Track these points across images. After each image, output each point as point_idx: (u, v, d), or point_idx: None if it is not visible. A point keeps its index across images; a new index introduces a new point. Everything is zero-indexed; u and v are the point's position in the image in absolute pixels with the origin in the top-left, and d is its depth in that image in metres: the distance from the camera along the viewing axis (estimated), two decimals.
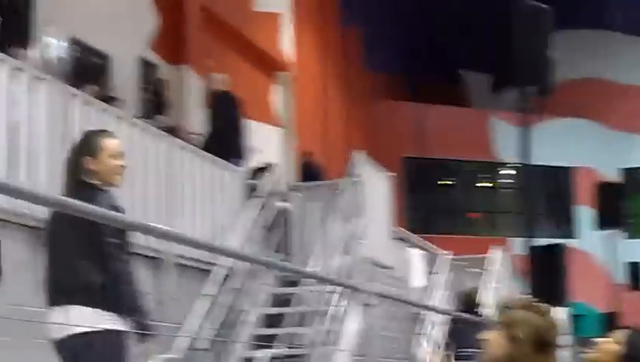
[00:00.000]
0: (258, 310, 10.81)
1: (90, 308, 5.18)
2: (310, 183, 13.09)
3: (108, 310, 5.19)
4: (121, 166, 5.67)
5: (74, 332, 5.13)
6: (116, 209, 5.30)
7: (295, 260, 11.67)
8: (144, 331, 5.24)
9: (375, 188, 12.61)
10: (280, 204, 11.94)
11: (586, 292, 25.20)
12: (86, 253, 5.22)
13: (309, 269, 10.42)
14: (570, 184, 30.89)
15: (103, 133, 5.79)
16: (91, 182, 5.51)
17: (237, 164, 11.87)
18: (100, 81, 12.78)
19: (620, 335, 4.49)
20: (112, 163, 5.62)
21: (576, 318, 24.71)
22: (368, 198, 12.17)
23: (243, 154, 12.41)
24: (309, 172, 15.51)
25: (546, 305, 4.08)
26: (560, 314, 20.35)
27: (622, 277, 25.11)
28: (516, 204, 26.05)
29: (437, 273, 16.55)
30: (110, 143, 5.66)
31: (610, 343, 4.50)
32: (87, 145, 5.68)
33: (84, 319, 5.12)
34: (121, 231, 5.28)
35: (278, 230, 11.78)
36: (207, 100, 13.40)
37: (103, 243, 5.24)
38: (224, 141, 12.17)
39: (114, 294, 5.18)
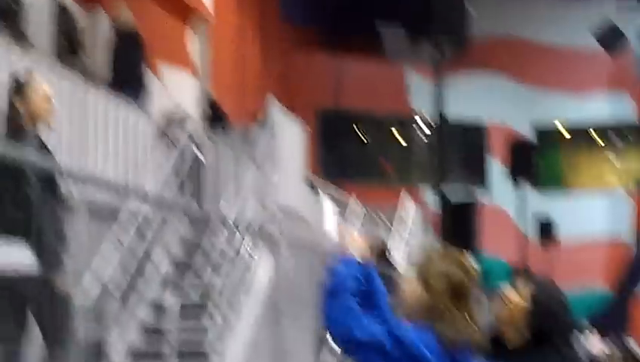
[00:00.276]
0: (169, 256, 10.79)
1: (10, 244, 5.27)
2: (223, 131, 13.01)
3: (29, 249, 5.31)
4: (51, 108, 5.91)
5: None
6: (46, 150, 5.37)
7: (208, 207, 11.65)
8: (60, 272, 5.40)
9: (289, 137, 12.61)
10: (193, 152, 11.88)
11: (497, 246, 25.58)
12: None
13: (221, 216, 10.42)
14: (484, 139, 31.20)
15: (31, 76, 5.88)
16: (20, 123, 5.64)
17: (137, 105, 11.69)
18: (12, 24, 12.53)
19: (524, 287, 4.53)
20: (42, 106, 5.81)
21: (486, 271, 25.05)
22: (282, 147, 12.17)
23: (142, 95, 12.25)
24: (214, 114, 15.20)
25: (461, 253, 4.09)
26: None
27: (532, 231, 25.50)
28: (430, 158, 26.22)
29: (350, 222, 16.64)
30: (39, 86, 5.68)
31: (515, 296, 4.53)
32: (16, 88, 5.70)
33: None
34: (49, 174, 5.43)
35: (190, 177, 11.73)
36: (111, 40, 13.23)
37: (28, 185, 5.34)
38: (125, 81, 11.99)
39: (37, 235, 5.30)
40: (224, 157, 12.35)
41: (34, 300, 5.49)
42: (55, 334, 5.46)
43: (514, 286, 4.59)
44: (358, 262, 4.04)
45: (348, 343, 3.85)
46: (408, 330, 3.88)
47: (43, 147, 5.71)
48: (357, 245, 4.09)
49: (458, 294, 3.94)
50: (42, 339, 5.63)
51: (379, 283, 4.22)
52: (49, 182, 5.62)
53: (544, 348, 4.38)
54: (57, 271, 5.60)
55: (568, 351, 4.46)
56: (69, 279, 5.89)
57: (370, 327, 3.81)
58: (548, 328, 4.42)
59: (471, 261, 4.06)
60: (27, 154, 3.66)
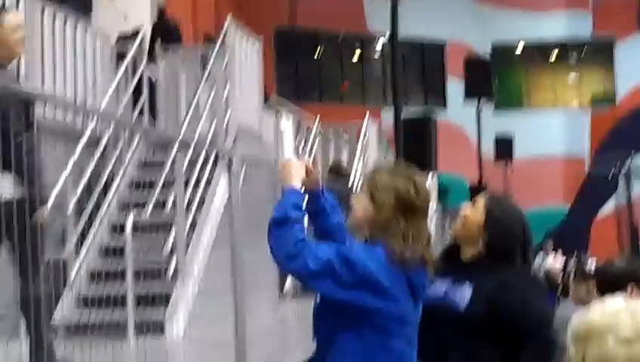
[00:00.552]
0: (126, 175, 10.75)
1: None
2: (178, 48, 12.86)
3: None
4: (21, 38, 5.94)
5: None
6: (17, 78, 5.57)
7: (163, 126, 11.59)
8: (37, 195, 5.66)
9: (245, 54, 12.51)
10: (148, 70, 11.77)
11: (454, 163, 25.69)
12: None
13: (177, 135, 10.37)
14: (443, 58, 31.14)
15: (2, 10, 5.98)
16: None
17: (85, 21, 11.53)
18: None
19: (480, 203, 4.54)
20: (11, 37, 5.84)
21: (445, 189, 25.21)
22: (237, 65, 12.09)
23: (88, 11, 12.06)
24: (168, 31, 14.92)
25: (414, 170, 4.07)
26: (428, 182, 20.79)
27: (489, 149, 25.62)
28: (388, 75, 26.15)
29: (306, 141, 16.62)
30: (10, 18, 5.90)
31: (471, 211, 4.54)
32: None
33: None
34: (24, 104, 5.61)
35: (146, 96, 11.63)
36: None
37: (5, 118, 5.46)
38: None
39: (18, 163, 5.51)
40: (179, 76, 12.25)
41: (11, 223, 5.65)
42: (27, 254, 5.60)
43: (470, 201, 4.60)
44: (302, 189, 3.97)
45: (301, 275, 3.84)
46: (355, 249, 3.86)
47: (15, 76, 5.86)
48: (298, 171, 4.02)
49: (405, 208, 3.92)
50: (17, 259, 5.80)
51: (328, 205, 4.20)
52: (24, 109, 5.77)
53: (499, 262, 4.41)
54: (35, 195, 5.76)
55: (523, 264, 4.50)
56: (42, 202, 6.12)
57: (319, 254, 3.76)
58: (503, 242, 4.44)
59: (422, 177, 4.05)
60: (2, 84, 3.86)
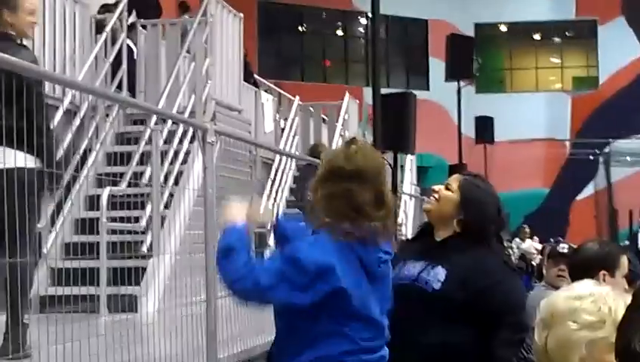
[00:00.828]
0: (103, 148, 10.69)
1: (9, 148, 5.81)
2: (158, 20, 12.77)
3: (26, 151, 5.90)
4: (34, 22, 6.41)
5: None
6: (35, 62, 6.01)
7: (141, 98, 11.51)
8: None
9: (226, 28, 12.43)
10: (127, 41, 11.68)
11: (435, 144, 25.74)
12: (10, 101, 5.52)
13: (155, 107, 10.30)
14: (425, 36, 31.13)
15: None
16: (9, 32, 6.14)
17: None
18: None
19: (455, 183, 4.52)
20: (27, 19, 6.24)
21: (425, 169, 25.25)
22: (218, 39, 12.01)
23: None
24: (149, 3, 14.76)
25: (358, 142, 3.97)
26: (407, 162, 20.80)
27: (470, 129, 25.64)
28: (370, 54, 26.18)
29: (287, 119, 16.58)
30: (28, 1, 6.23)
31: (445, 191, 4.52)
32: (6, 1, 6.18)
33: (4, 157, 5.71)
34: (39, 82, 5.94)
35: (125, 67, 11.55)
36: None
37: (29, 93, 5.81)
38: None
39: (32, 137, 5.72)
40: (159, 47, 12.17)
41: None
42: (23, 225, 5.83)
43: (442, 181, 4.58)
44: (247, 225, 3.87)
45: (256, 292, 3.70)
46: (300, 248, 3.75)
47: (31, 55, 6.28)
48: (239, 211, 3.90)
49: (340, 177, 3.78)
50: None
51: (289, 231, 4.10)
52: (39, 87, 6.06)
53: (473, 243, 4.39)
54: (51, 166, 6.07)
55: (496, 244, 4.49)
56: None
57: (268, 267, 3.70)
58: (477, 222, 4.42)
59: (365, 148, 3.94)
60: (23, 64, 4.12)
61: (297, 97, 17.18)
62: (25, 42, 6.56)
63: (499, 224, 4.52)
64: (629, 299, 2.40)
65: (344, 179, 3.78)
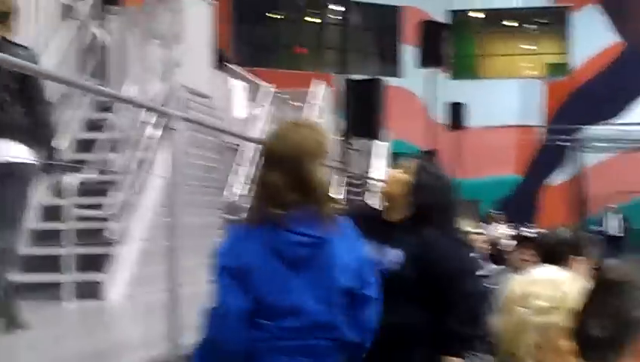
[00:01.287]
0: (71, 135, 10.62)
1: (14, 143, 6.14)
2: (128, 6, 12.67)
3: (29, 146, 6.20)
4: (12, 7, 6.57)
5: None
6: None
7: (110, 85, 11.43)
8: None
9: (196, 15, 12.38)
10: (96, 28, 11.60)
11: (407, 130, 25.73)
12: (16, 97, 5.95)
13: (124, 94, 10.24)
14: (397, 23, 31.10)
15: None
16: None
17: None
18: None
19: (408, 166, 4.54)
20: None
21: (397, 155, 25.24)
22: (188, 25, 11.96)
23: None
24: None
25: (309, 122, 3.94)
26: (380, 148, 20.77)
27: (442, 116, 25.63)
28: (343, 41, 26.11)
29: (259, 105, 16.53)
30: None
31: (399, 172, 4.54)
32: None
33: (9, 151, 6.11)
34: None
35: (93, 54, 11.47)
36: None
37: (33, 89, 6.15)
38: None
39: (36, 133, 6.15)
40: (127, 35, 12.09)
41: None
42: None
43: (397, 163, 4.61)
44: None
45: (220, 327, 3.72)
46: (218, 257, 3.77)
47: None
48: None
49: (266, 158, 3.74)
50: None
51: None
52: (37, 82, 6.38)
53: (425, 224, 4.43)
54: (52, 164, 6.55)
55: (448, 227, 4.53)
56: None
57: (216, 300, 3.70)
58: (428, 205, 4.47)
59: (306, 126, 3.88)
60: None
61: (270, 85, 17.15)
62: None
63: (450, 208, 4.56)
64: (588, 285, 2.39)
65: (262, 163, 3.75)
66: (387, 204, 4.58)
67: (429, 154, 19.68)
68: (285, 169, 3.66)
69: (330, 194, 3.75)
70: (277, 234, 3.64)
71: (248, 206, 3.74)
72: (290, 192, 3.65)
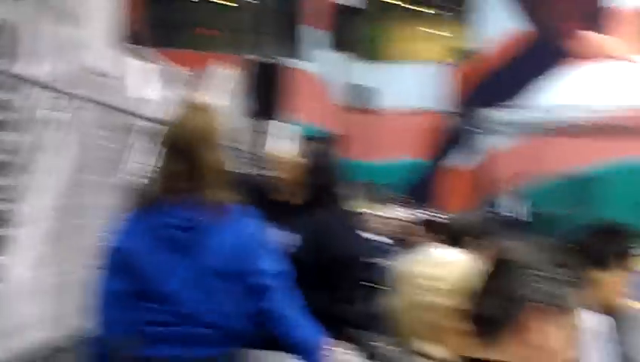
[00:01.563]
0: None
1: None
2: None
3: None
4: None
5: None
6: None
7: (8, 65, 11.22)
8: None
9: None
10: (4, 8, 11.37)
11: (315, 114, 25.77)
12: None
13: (22, 74, 10.07)
14: (302, 5, 31.10)
15: None
16: None
17: None
18: None
19: (304, 146, 4.57)
20: None
21: (306, 138, 25.25)
22: (95, 4, 11.80)
23: None
24: None
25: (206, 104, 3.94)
26: (280, 129, 20.74)
27: (350, 99, 25.72)
28: (247, 23, 26.03)
29: (166, 87, 16.38)
30: None
31: (294, 155, 4.56)
32: None
33: None
34: None
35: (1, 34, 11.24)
36: None
37: None
38: None
39: None
40: (23, 13, 11.87)
41: None
42: None
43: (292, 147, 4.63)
44: None
45: None
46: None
47: None
48: None
49: (173, 150, 3.72)
50: None
51: None
52: None
53: (317, 206, 4.47)
54: None
55: (338, 208, 4.58)
56: None
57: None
58: (318, 187, 4.51)
59: (203, 109, 3.91)
60: None
61: (181, 66, 17.06)
62: None
63: (341, 189, 4.61)
64: (484, 266, 2.42)
65: (158, 149, 3.75)
66: (285, 187, 4.60)
67: (330, 138, 19.74)
68: (180, 156, 3.64)
69: (224, 180, 3.73)
70: (161, 219, 3.61)
71: (141, 189, 3.72)
72: (183, 179, 3.63)
